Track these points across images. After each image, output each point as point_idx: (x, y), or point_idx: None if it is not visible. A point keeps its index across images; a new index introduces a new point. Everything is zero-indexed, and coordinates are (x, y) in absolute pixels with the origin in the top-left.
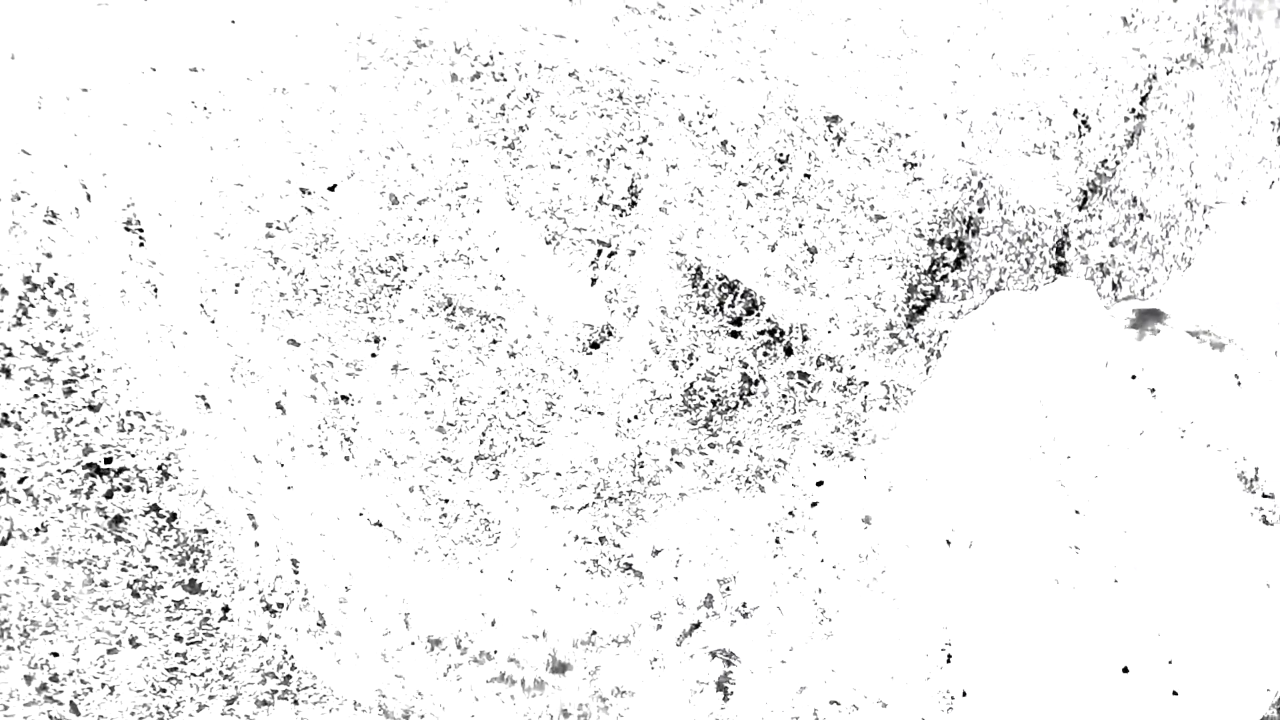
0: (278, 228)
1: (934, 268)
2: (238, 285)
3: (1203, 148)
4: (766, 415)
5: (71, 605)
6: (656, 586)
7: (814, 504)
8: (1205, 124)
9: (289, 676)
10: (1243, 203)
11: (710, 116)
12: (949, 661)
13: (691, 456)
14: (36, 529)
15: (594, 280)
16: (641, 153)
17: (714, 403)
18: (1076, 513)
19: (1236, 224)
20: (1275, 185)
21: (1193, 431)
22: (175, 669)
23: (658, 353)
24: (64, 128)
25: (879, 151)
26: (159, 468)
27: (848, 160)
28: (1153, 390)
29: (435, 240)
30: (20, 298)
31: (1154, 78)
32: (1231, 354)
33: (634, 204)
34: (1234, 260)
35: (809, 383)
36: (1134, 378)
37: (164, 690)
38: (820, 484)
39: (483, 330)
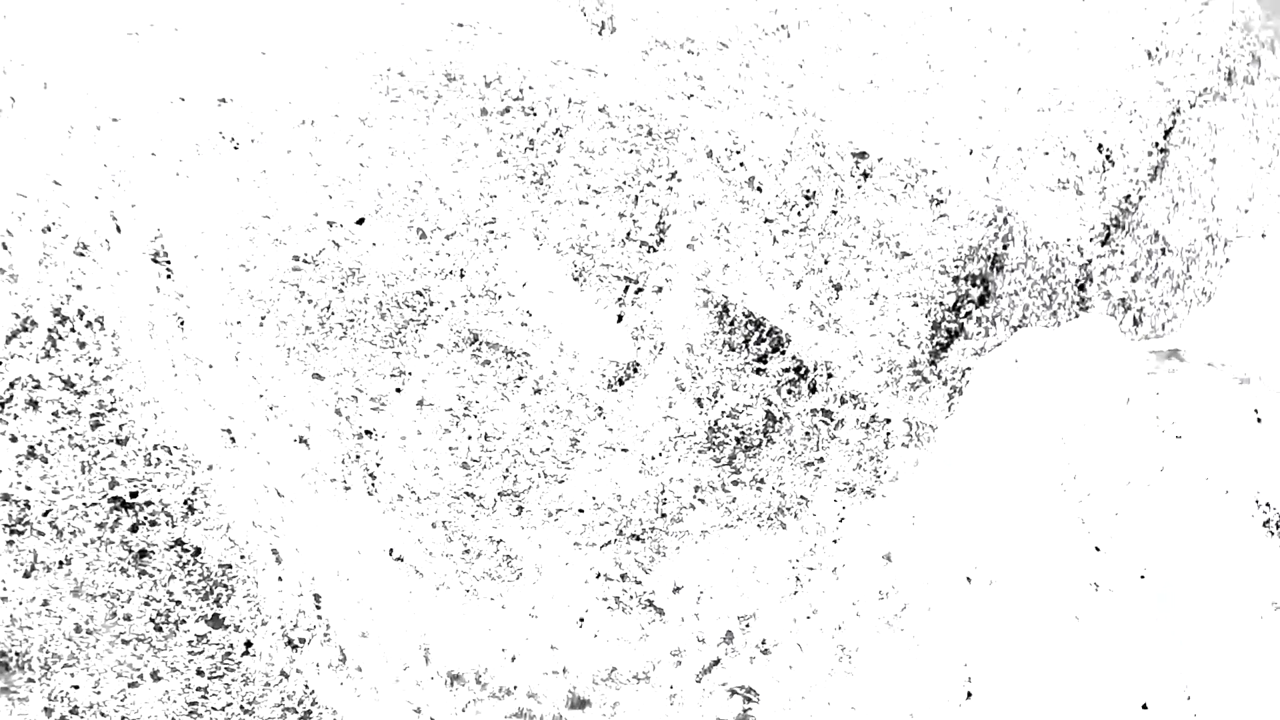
0: (304, 261)
1: (958, 305)
2: (263, 318)
3: (1224, 181)
4: (790, 453)
5: (94, 638)
6: (677, 623)
7: (835, 541)
8: (1227, 157)
9: (309, 712)
10: (1263, 236)
11: (738, 152)
12: (969, 698)
13: (714, 494)
14: (60, 562)
15: (620, 317)
16: (670, 189)
17: (738, 440)
18: (1097, 549)
19: (1257, 258)
20: None
21: (1213, 468)
22: (196, 703)
23: (683, 390)
24: (94, 158)
25: (905, 188)
26: (184, 502)
27: (874, 197)
28: (1174, 426)
29: (462, 275)
30: (49, 330)
31: (1178, 111)
32: (1252, 389)
33: (661, 240)
34: (1254, 294)
35: (832, 420)
36: (1155, 414)
37: None
38: (841, 520)
39: (508, 366)
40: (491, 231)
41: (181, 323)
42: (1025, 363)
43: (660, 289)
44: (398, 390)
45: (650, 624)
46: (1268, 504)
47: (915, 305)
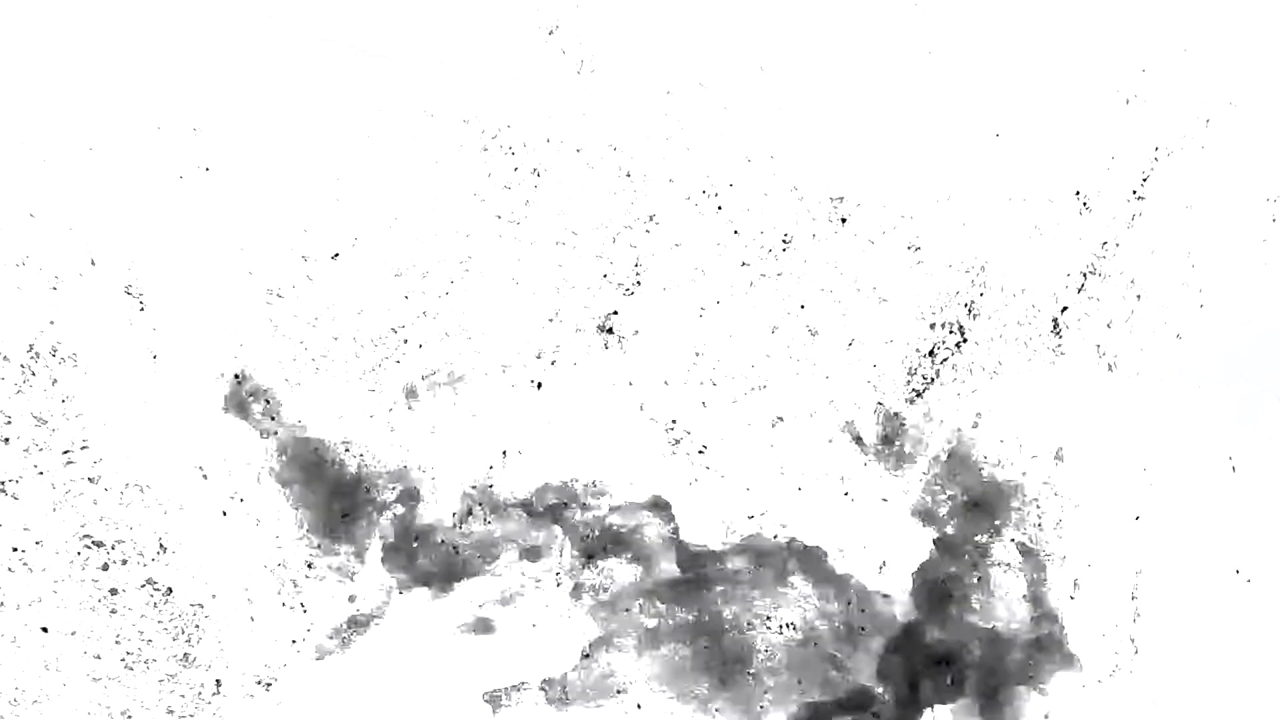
0: (278, 294)
1: (934, 351)
2: (236, 352)
3: (1200, 227)
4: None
5: (63, 677)
6: None
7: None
8: (1203, 203)
9: None
10: (1238, 280)
11: (715, 195)
12: None
13: None
14: (31, 601)
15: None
16: (647, 231)
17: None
18: (1072, 599)
19: (1232, 302)
20: (1267, 264)
21: (1188, 516)
22: None
23: (660, 432)
24: (68, 189)
25: (883, 233)
26: (157, 541)
27: (852, 242)
28: (1149, 473)
29: (437, 314)
30: (22, 365)
31: (1155, 158)
32: (1228, 436)
33: (638, 283)
34: (1228, 339)
35: (810, 465)
36: (1130, 459)
37: None
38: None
39: (481, 405)
40: (467, 270)
41: (154, 356)
42: (1000, 409)
43: (637, 331)
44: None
45: None
46: (1243, 554)
47: (891, 351)
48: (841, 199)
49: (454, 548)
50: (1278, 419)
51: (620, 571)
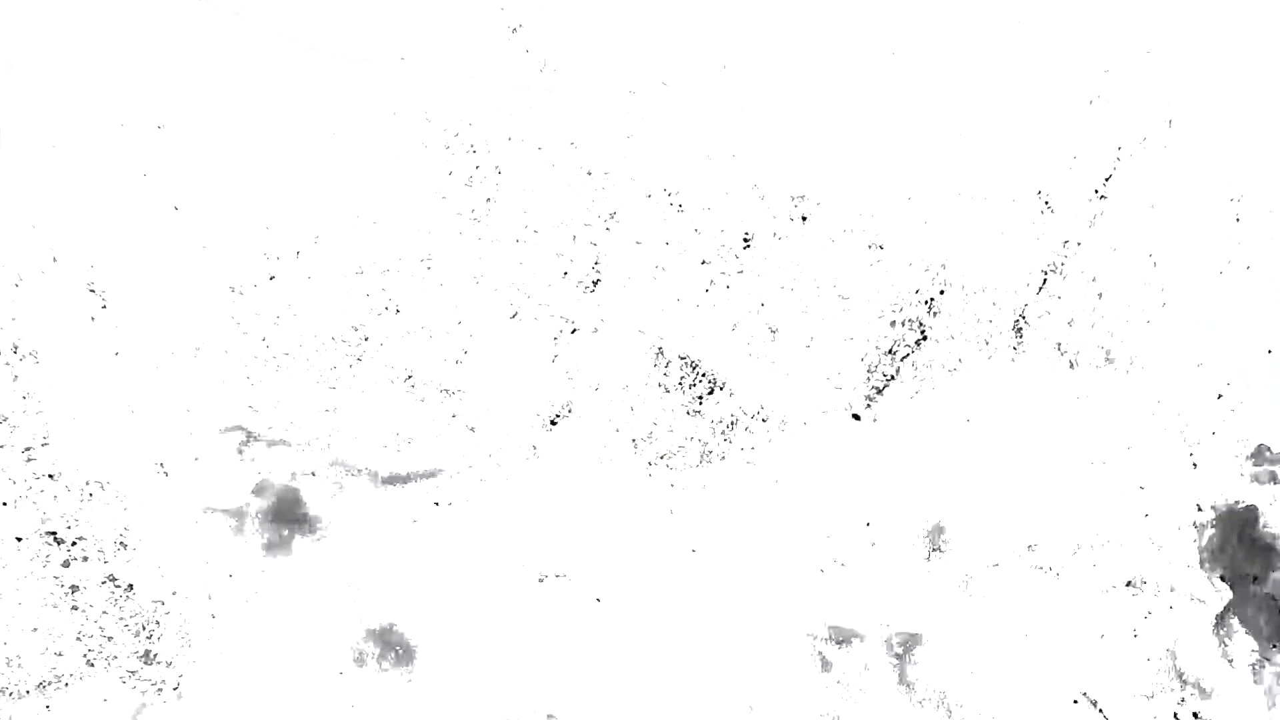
0: (240, 292)
1: (894, 349)
2: (198, 349)
3: (1162, 226)
4: (726, 495)
5: (24, 673)
6: None
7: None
8: (1166, 203)
9: None
10: (1198, 280)
11: (676, 193)
12: None
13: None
14: None
15: (555, 356)
16: (608, 229)
17: (671, 485)
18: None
19: (1193, 302)
20: (1231, 263)
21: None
22: None
23: (618, 431)
24: (32, 186)
25: (844, 232)
26: (117, 538)
27: (812, 240)
28: (1106, 467)
29: (398, 311)
30: None
31: (1118, 158)
32: (1189, 430)
33: (598, 281)
34: (1188, 339)
35: (767, 463)
36: (1087, 453)
37: None
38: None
39: (443, 404)
40: (428, 268)
41: (116, 353)
42: (961, 406)
43: (596, 329)
44: (332, 425)
45: None
46: (1204, 544)
47: (851, 349)
48: (803, 197)
49: None
50: (1240, 418)
51: None
